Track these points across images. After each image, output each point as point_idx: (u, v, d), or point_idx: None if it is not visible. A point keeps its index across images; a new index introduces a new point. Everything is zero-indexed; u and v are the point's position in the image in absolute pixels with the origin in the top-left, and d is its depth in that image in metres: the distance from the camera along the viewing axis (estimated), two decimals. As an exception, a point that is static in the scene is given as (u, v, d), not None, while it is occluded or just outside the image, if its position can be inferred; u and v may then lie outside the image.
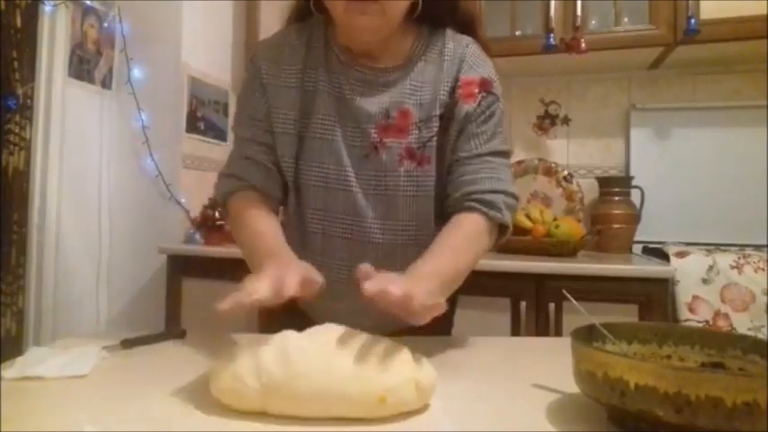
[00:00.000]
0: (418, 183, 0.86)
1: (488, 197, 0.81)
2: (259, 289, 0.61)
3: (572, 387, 0.55)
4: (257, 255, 0.78)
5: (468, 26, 0.91)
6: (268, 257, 0.74)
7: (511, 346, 0.93)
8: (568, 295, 0.72)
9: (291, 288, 0.62)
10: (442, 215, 0.86)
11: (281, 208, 0.95)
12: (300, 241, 0.90)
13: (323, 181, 0.87)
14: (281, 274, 0.63)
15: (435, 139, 0.85)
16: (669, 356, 0.60)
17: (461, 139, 0.85)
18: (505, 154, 0.87)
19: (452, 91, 0.85)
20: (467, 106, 0.84)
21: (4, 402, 0.56)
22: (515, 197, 0.85)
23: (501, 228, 0.84)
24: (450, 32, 0.89)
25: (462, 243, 0.79)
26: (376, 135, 0.85)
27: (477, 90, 0.85)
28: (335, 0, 0.78)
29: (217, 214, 1.89)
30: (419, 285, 0.63)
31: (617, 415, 0.51)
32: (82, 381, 0.65)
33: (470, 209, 0.81)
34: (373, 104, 0.85)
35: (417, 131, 0.85)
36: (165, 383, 0.62)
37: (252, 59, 0.92)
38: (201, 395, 0.59)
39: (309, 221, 0.89)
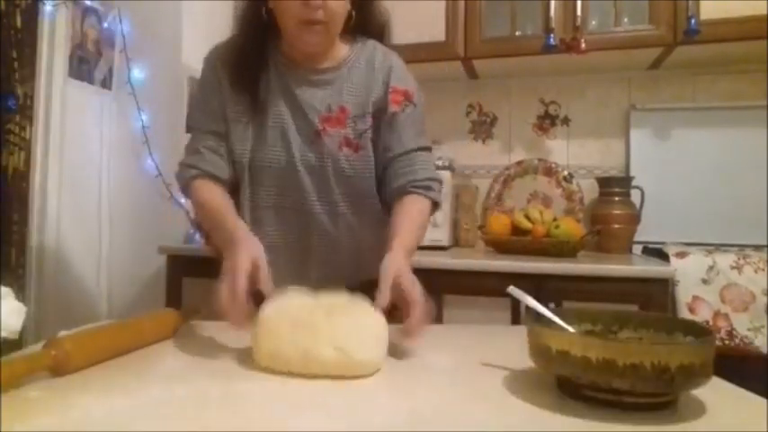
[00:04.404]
0: (354, 166, 1.04)
1: (426, 183, 1.03)
2: (241, 289, 0.75)
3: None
4: (220, 230, 0.94)
5: (380, 33, 1.12)
6: (231, 241, 0.86)
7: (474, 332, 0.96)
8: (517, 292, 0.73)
9: (266, 283, 0.79)
10: (382, 200, 1.07)
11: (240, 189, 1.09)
12: (253, 216, 1.06)
13: (276, 163, 1.03)
14: (251, 266, 0.79)
15: (369, 132, 1.05)
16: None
17: (392, 138, 1.05)
18: (429, 149, 1.09)
19: (384, 94, 1.05)
20: (394, 107, 1.05)
21: (4, 402, 0.56)
22: (441, 182, 1.07)
23: (434, 205, 1.05)
24: (377, 45, 1.08)
25: (416, 218, 0.99)
26: (319, 125, 1.03)
27: (402, 99, 1.06)
28: (288, 18, 0.96)
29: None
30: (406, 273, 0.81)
31: (563, 383, 0.61)
32: (82, 381, 0.65)
33: (412, 193, 1.02)
34: (316, 99, 1.04)
35: (353, 124, 1.04)
36: (165, 383, 0.62)
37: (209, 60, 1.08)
38: (200, 394, 0.59)
39: (264, 198, 1.06)
